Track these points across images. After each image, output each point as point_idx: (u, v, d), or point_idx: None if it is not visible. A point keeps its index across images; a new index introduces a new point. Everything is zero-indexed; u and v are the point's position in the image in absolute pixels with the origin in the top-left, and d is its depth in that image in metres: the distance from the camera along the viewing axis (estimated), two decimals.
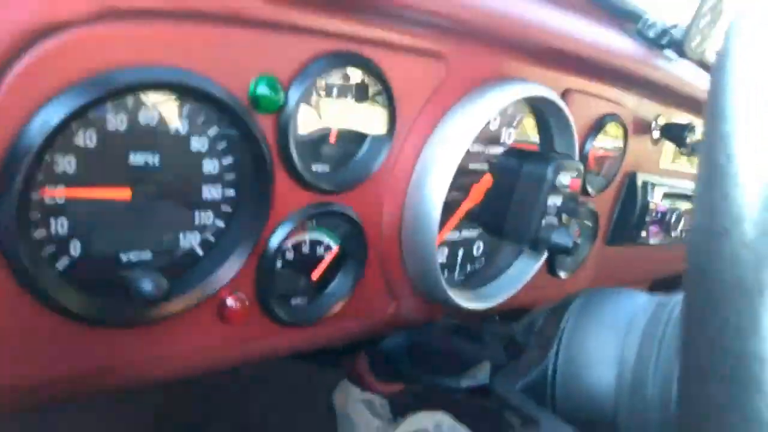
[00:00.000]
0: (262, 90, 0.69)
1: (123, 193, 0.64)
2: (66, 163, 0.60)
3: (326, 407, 1.27)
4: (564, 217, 1.03)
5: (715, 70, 0.45)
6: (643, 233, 1.46)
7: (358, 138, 0.85)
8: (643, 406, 0.79)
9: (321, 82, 0.77)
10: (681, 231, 1.56)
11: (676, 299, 0.85)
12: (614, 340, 0.85)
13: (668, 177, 1.51)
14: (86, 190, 0.62)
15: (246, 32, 0.67)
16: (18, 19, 0.53)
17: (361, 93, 0.82)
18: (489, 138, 1.00)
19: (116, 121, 0.62)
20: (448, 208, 0.93)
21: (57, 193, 0.61)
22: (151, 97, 0.64)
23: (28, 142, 0.55)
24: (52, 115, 0.56)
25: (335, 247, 0.88)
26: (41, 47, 0.54)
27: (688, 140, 1.36)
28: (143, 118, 0.64)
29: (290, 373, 1.24)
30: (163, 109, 0.66)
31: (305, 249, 0.85)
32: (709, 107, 0.45)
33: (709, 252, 0.44)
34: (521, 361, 0.93)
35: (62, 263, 0.63)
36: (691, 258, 0.46)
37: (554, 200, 1.00)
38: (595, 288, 0.96)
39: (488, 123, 0.93)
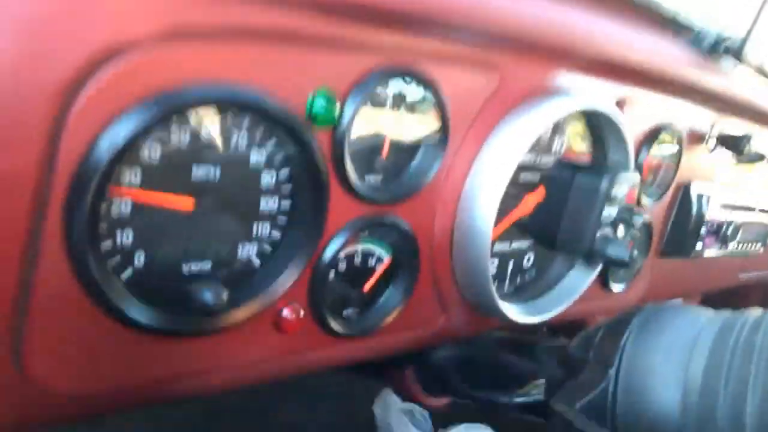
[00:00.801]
0: (320, 104, 0.73)
1: (186, 202, 0.68)
2: (132, 176, 0.64)
3: (366, 416, 1.29)
4: (619, 228, 1.05)
5: None
6: (698, 245, 1.47)
7: (411, 150, 0.88)
8: (713, 429, 0.79)
9: (375, 95, 0.81)
10: (738, 243, 1.56)
11: (745, 317, 0.85)
12: (679, 359, 0.84)
13: (724, 188, 1.51)
14: (153, 194, 0.66)
15: (304, 48, 0.71)
16: (94, 39, 0.56)
17: (412, 104, 0.85)
18: (540, 148, 1.03)
19: (179, 135, 0.66)
20: (499, 218, 0.95)
21: (124, 204, 0.65)
22: (212, 113, 0.68)
23: (97, 158, 0.59)
24: (120, 133, 0.60)
25: (387, 259, 0.91)
26: (113, 65, 0.58)
27: (745, 150, 1.37)
28: (205, 132, 0.68)
29: (330, 381, 1.27)
30: (224, 123, 0.70)
31: (357, 260, 0.88)
32: None
33: None
34: (580, 379, 0.93)
35: (127, 274, 0.68)
36: None
37: (609, 211, 1.02)
38: (656, 303, 0.96)
39: None
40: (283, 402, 0.86)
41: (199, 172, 0.69)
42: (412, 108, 0.85)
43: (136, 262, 0.68)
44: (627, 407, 0.87)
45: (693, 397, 0.81)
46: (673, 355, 0.85)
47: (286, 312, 0.80)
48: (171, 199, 0.67)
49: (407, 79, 0.82)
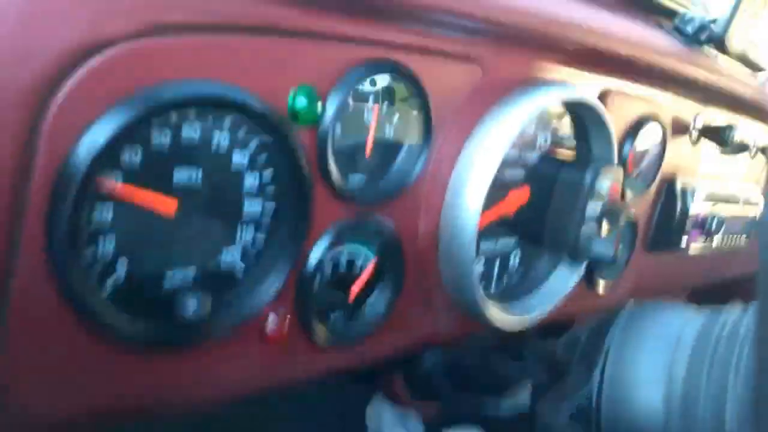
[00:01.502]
0: (301, 102, 0.73)
1: (170, 205, 0.68)
2: (113, 183, 0.64)
3: (358, 422, 1.30)
4: (604, 224, 1.06)
5: None
6: (684, 239, 1.49)
7: (395, 147, 0.88)
8: (695, 427, 0.81)
9: (357, 91, 0.81)
10: (723, 236, 1.59)
11: (727, 314, 0.87)
12: (662, 358, 0.86)
13: (709, 180, 1.53)
14: (139, 192, 0.66)
15: (283, 43, 0.71)
16: (68, 37, 0.56)
17: (392, 98, 0.86)
18: (524, 143, 1.03)
19: (160, 137, 0.66)
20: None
21: (105, 209, 0.65)
22: (193, 112, 0.68)
23: (77, 161, 0.59)
24: (100, 134, 0.60)
25: (372, 261, 0.91)
26: (89, 64, 0.58)
27: (729, 141, 1.39)
28: (186, 132, 0.68)
29: (322, 386, 1.27)
30: (205, 124, 0.70)
31: (342, 264, 0.89)
32: None
33: None
34: (565, 382, 0.95)
35: (109, 284, 0.67)
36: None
37: (593, 207, 1.03)
38: (640, 302, 0.97)
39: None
40: (273, 409, 0.86)
41: (180, 174, 0.69)
42: (394, 104, 0.86)
43: (118, 270, 0.67)
44: (612, 408, 0.88)
45: (676, 394, 0.83)
46: (656, 354, 0.87)
47: (271, 320, 0.80)
48: (155, 199, 0.67)
49: (390, 73, 0.82)
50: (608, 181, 1.03)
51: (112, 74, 0.60)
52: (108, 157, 0.61)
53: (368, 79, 0.81)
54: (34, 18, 0.55)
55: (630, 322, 0.93)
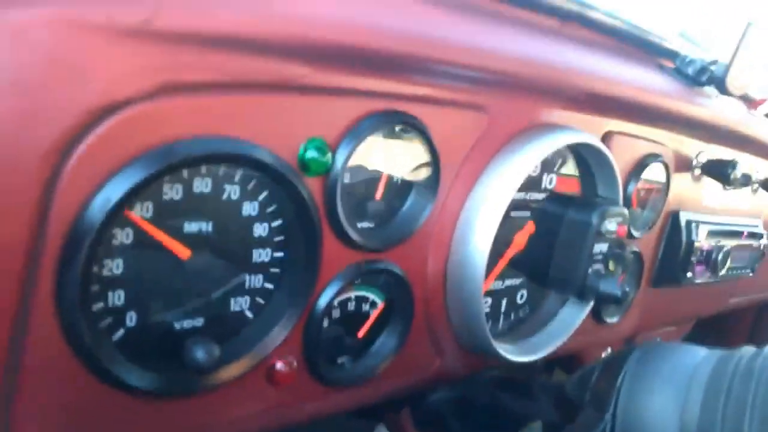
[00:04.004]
0: (311, 153, 0.73)
1: (184, 251, 0.69)
2: (124, 236, 0.65)
3: None
4: (610, 263, 1.06)
5: None
6: (689, 273, 1.48)
7: (403, 193, 0.89)
8: None
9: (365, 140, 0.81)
10: (728, 269, 1.58)
11: (740, 353, 0.86)
12: (675, 398, 0.85)
13: (712, 214, 1.53)
14: (159, 232, 0.66)
15: (295, 98, 0.72)
16: (86, 98, 0.57)
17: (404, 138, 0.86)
18: (530, 184, 1.03)
19: (172, 191, 0.67)
20: (492, 257, 0.96)
21: (116, 264, 0.65)
22: (204, 167, 0.69)
23: (90, 218, 0.59)
24: (113, 192, 0.60)
25: (380, 304, 0.91)
26: (103, 125, 0.58)
27: (732, 177, 1.38)
28: (197, 186, 0.69)
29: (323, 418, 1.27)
30: (216, 177, 0.70)
31: (351, 307, 0.89)
32: None
33: None
34: (576, 423, 0.94)
35: (118, 335, 0.67)
36: None
37: (600, 247, 1.03)
38: (651, 342, 0.97)
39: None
40: None
41: (191, 227, 0.69)
42: (404, 141, 0.86)
43: (127, 322, 0.68)
44: None
45: None
46: (670, 396, 0.86)
47: (279, 364, 0.80)
48: (172, 243, 0.67)
49: (398, 124, 0.82)
50: (614, 223, 1.02)
51: (128, 133, 0.60)
52: (120, 212, 0.62)
53: (378, 130, 0.81)
54: (54, 79, 0.55)
55: (642, 362, 0.92)
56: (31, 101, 0.54)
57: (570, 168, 1.10)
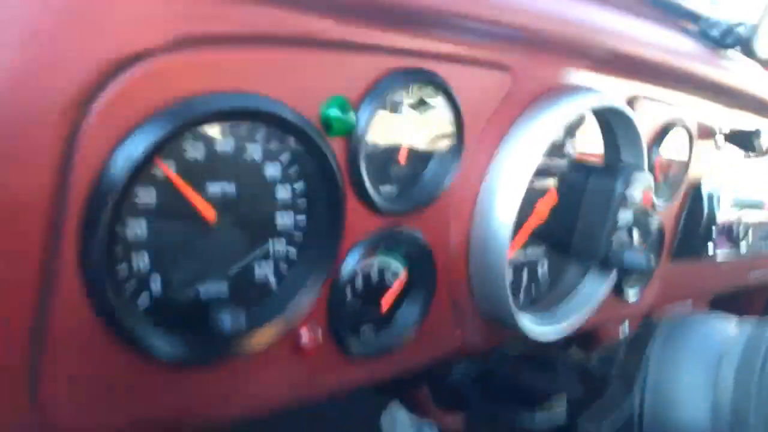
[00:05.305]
0: (334, 112, 0.72)
1: (210, 212, 0.68)
2: (147, 196, 0.63)
3: (372, 429, 1.28)
4: (635, 233, 1.04)
5: None
6: (710, 246, 1.47)
7: (426, 157, 0.87)
8: None
9: (389, 100, 0.80)
10: (749, 243, 1.57)
11: None
12: (706, 373, 0.84)
13: (734, 187, 1.52)
14: (187, 188, 0.65)
15: (316, 53, 0.70)
16: (104, 49, 0.55)
17: (427, 108, 0.85)
18: (553, 149, 1.02)
19: (194, 150, 0.65)
20: (515, 226, 0.95)
21: (139, 225, 0.64)
22: (226, 124, 0.67)
23: (113, 176, 0.58)
24: (135, 148, 0.59)
25: (403, 273, 0.90)
26: (123, 77, 0.57)
27: (756, 144, 1.37)
28: (219, 146, 0.67)
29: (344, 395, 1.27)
30: (238, 136, 0.69)
31: (374, 276, 0.87)
32: None
33: None
34: (604, 399, 0.92)
35: (143, 300, 0.66)
36: None
37: (625, 215, 1.01)
38: (676, 315, 0.95)
39: None
40: (287, 413, 0.84)
41: (214, 188, 0.68)
42: (427, 112, 0.84)
43: (152, 286, 0.66)
44: (655, 425, 0.86)
45: (725, 409, 0.81)
46: (700, 370, 0.85)
47: (304, 334, 0.78)
48: (198, 201, 0.66)
49: (421, 82, 0.81)
50: (640, 189, 1.01)
51: (147, 87, 0.59)
52: (144, 169, 0.61)
53: (401, 89, 0.80)
54: (71, 28, 0.54)
55: (669, 336, 0.91)
56: (47, 53, 0.53)
57: (593, 133, 1.09)
